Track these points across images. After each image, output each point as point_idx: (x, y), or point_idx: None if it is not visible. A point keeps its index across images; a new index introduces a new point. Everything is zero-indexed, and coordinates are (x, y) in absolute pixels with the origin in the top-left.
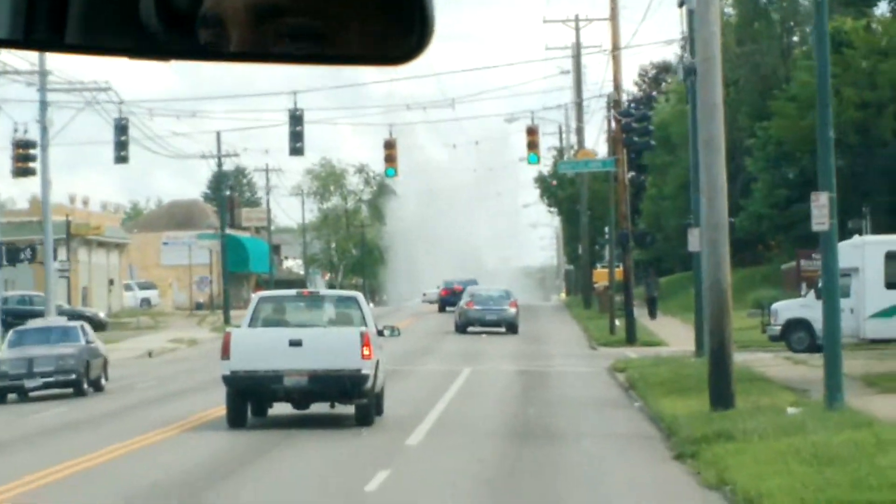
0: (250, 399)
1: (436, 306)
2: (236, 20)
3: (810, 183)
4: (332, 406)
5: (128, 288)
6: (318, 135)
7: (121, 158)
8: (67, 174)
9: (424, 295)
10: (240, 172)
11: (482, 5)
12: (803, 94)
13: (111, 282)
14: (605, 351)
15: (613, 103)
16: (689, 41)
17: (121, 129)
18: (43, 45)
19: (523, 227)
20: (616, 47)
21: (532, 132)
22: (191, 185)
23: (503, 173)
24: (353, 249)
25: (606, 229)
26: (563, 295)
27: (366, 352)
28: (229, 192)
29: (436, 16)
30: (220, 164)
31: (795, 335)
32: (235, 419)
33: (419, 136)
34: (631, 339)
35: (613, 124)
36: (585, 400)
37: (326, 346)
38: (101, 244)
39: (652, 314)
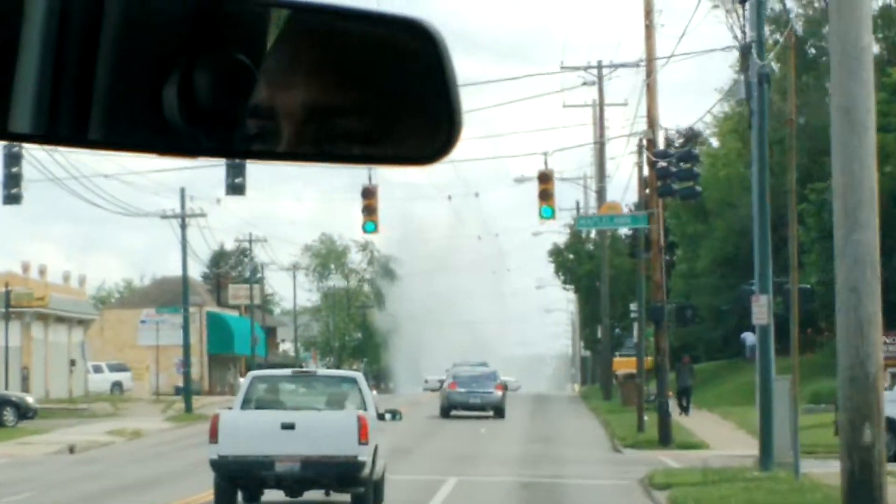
0: (240, 486)
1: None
2: (268, 122)
3: None
4: (328, 494)
5: (97, 370)
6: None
7: (11, 198)
8: (67, 249)
9: (426, 382)
10: (242, 252)
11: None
12: None
13: (72, 362)
14: (633, 455)
15: (647, 143)
16: (758, 42)
17: (11, 158)
18: (65, 141)
19: (536, 311)
20: (651, 71)
21: (545, 179)
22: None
23: (512, 241)
24: (355, 332)
25: (633, 307)
26: (579, 385)
27: (363, 437)
28: (216, 270)
29: (463, 116)
30: (183, 225)
31: None
32: None
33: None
34: (665, 439)
35: (646, 170)
36: None
37: (321, 430)
38: (60, 320)
39: (685, 408)
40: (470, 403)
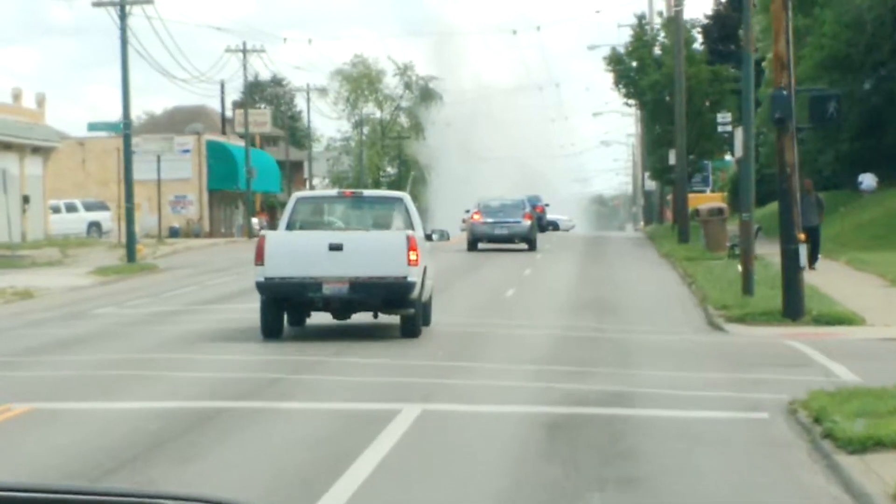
0: (286, 308)
1: None
2: None
3: None
4: (375, 316)
5: (70, 208)
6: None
7: None
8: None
9: (463, 221)
10: (277, 82)
11: None
12: None
13: (25, 199)
14: (744, 334)
15: None
16: None
17: None
18: None
19: (593, 144)
20: None
21: None
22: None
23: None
24: (388, 167)
25: (720, 119)
26: (643, 224)
27: (412, 257)
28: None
29: None
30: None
31: None
32: (270, 329)
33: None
34: (793, 309)
35: None
36: None
37: (369, 250)
38: (7, 147)
39: (813, 258)
40: (496, 235)
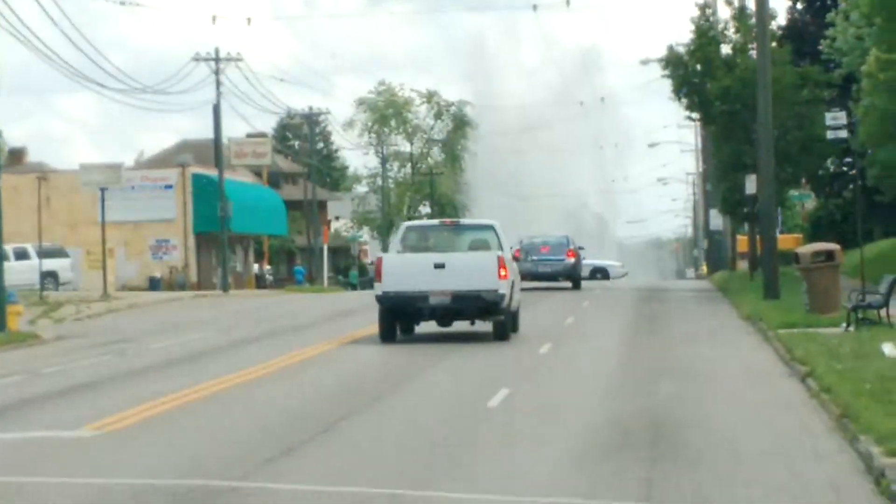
0: (399, 317)
1: None
2: None
3: None
4: (472, 323)
5: (20, 255)
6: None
7: None
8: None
9: None
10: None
11: None
12: None
13: None
14: None
15: None
16: None
17: None
18: None
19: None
20: None
21: None
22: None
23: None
24: (421, 205)
25: (831, 120)
26: (705, 268)
27: (502, 273)
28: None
29: None
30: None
31: None
32: (386, 335)
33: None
34: None
35: None
36: None
37: (467, 268)
38: None
39: None
40: (539, 272)
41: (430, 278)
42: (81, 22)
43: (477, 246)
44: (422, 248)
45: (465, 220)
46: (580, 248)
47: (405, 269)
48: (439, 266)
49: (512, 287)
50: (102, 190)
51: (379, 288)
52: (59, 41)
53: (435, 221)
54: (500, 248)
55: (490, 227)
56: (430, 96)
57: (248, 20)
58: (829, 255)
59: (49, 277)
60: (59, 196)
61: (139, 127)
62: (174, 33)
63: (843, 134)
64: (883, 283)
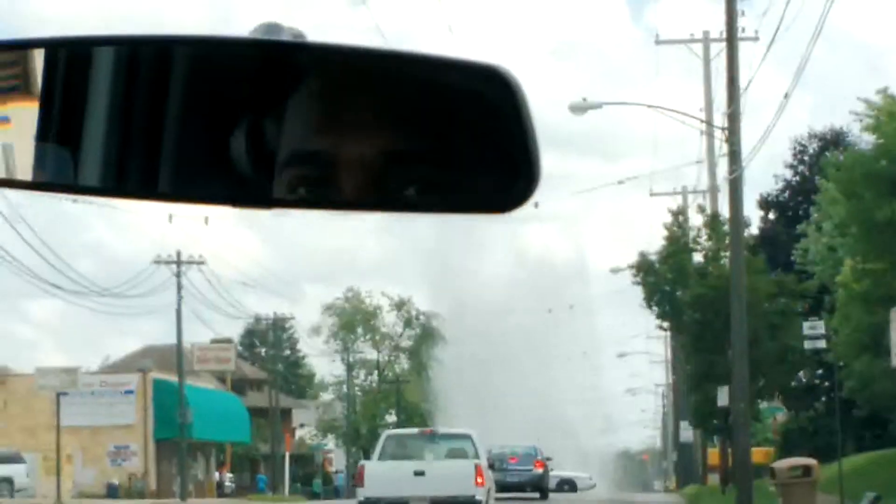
0: None
1: None
2: (348, 169)
3: None
4: None
5: None
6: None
7: None
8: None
9: None
10: (278, 324)
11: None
12: None
13: None
14: None
15: None
16: None
17: None
18: (135, 193)
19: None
20: None
21: None
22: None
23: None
24: (388, 414)
25: (808, 328)
26: (674, 481)
27: (479, 480)
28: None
29: (542, 163)
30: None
31: None
32: None
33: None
34: None
35: None
36: None
37: (445, 475)
38: None
39: None
40: (507, 482)
41: (411, 485)
42: (39, 225)
43: (455, 454)
44: (402, 455)
45: (443, 430)
46: (548, 458)
47: (386, 476)
48: (419, 473)
49: (488, 494)
50: (59, 394)
51: (361, 493)
52: (22, 248)
53: (415, 430)
54: (478, 456)
55: (468, 437)
56: (400, 304)
57: (206, 219)
58: (806, 470)
59: (4, 483)
60: (17, 400)
61: (105, 331)
62: (137, 233)
63: (822, 344)
64: (864, 502)
